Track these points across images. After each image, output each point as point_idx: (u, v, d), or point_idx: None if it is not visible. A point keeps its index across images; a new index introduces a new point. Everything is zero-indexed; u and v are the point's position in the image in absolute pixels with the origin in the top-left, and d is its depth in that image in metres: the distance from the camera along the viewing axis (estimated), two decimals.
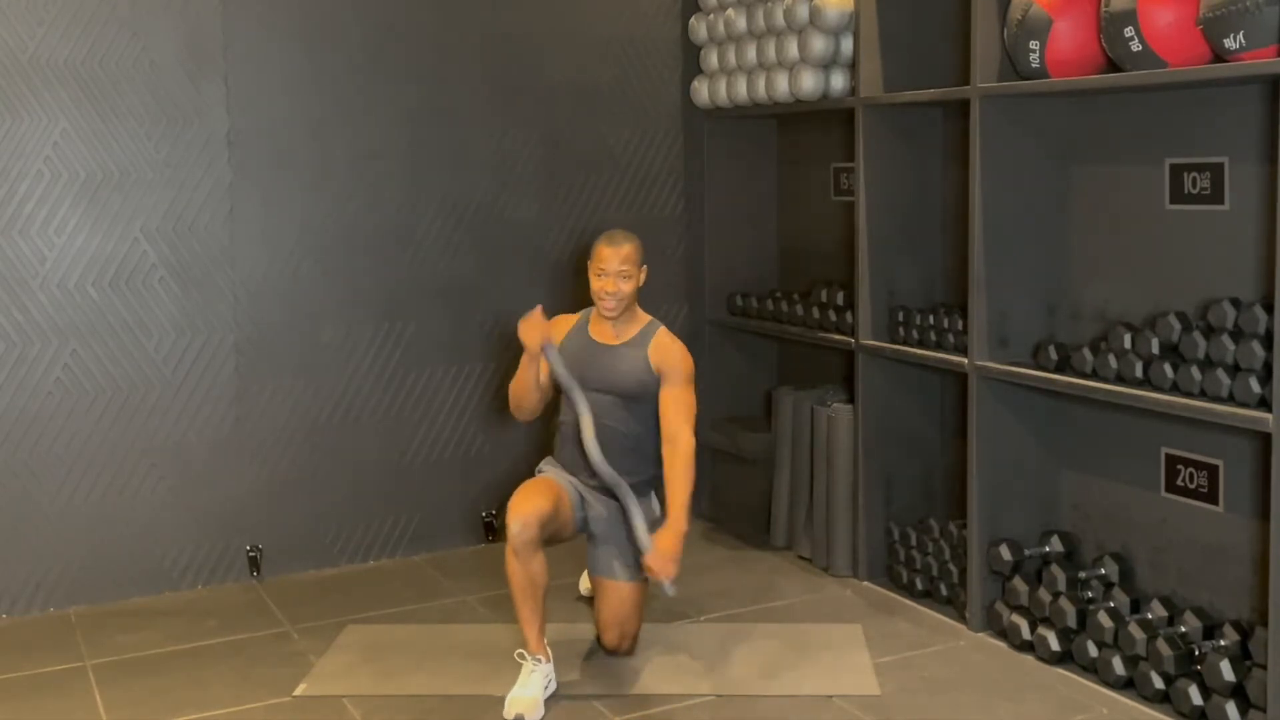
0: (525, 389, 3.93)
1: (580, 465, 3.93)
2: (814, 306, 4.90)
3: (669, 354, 3.94)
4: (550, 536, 3.77)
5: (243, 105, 4.69)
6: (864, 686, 3.75)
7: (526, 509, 3.68)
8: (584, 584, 4.42)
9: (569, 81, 5.24)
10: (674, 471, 3.81)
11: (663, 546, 3.70)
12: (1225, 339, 3.33)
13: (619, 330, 3.97)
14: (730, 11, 5.12)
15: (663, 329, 4.02)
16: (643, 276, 3.96)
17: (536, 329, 3.81)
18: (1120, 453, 3.95)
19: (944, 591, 4.37)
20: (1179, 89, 3.62)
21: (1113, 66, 3.65)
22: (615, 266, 3.87)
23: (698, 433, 5.34)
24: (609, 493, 3.90)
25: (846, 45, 4.66)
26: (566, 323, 4.07)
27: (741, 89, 5.09)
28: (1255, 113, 3.47)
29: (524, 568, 3.66)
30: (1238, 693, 3.34)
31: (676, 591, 3.70)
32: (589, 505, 3.94)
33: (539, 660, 3.66)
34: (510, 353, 5.12)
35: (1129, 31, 3.43)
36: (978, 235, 4.03)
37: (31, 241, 4.44)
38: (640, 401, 3.96)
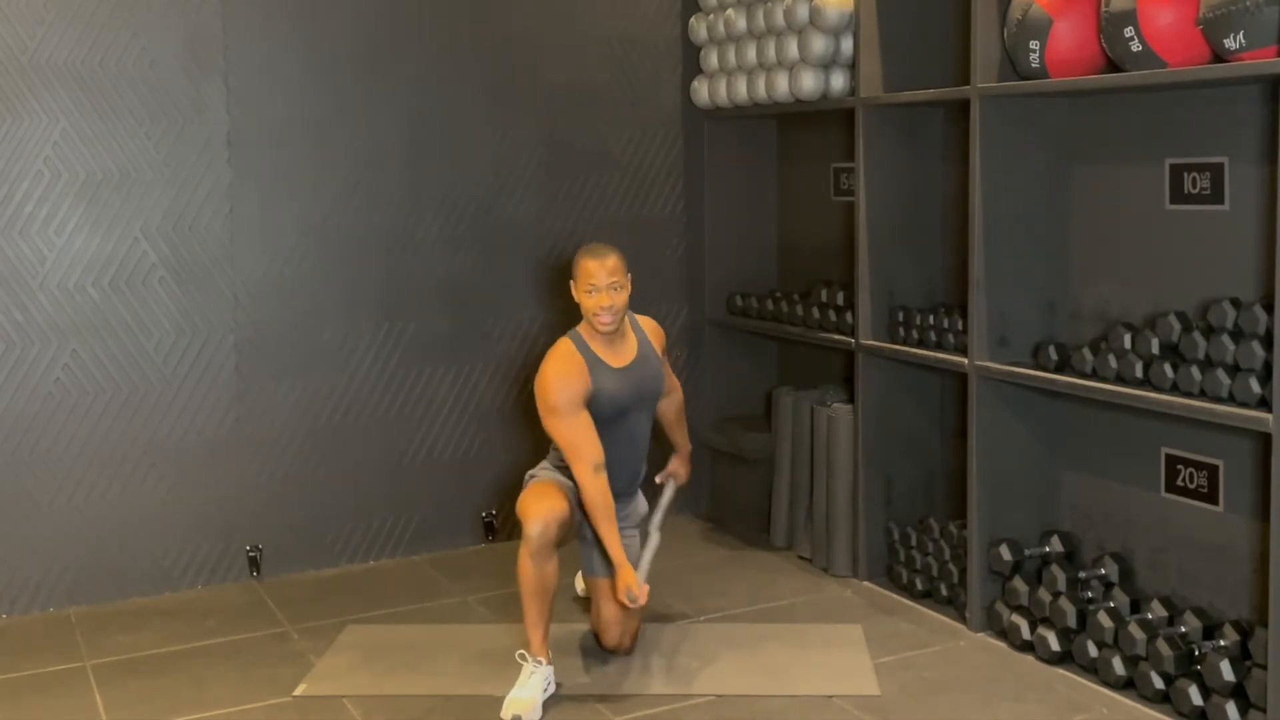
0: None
1: None
2: (814, 306, 4.90)
3: (660, 336, 4.09)
4: (560, 540, 3.76)
5: (243, 105, 4.69)
6: (864, 686, 3.75)
7: (545, 511, 3.66)
8: (579, 585, 4.41)
9: (569, 81, 5.23)
10: (679, 415, 4.32)
11: (685, 475, 4.37)
12: (1225, 339, 3.33)
13: (621, 345, 3.90)
14: (730, 11, 5.12)
15: (638, 317, 4.06)
16: (630, 284, 3.87)
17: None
18: (1120, 453, 3.95)
19: (944, 591, 4.37)
20: (1179, 89, 3.62)
21: (1113, 66, 3.65)
22: (605, 280, 3.76)
23: (697, 433, 5.39)
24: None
25: (846, 45, 4.65)
26: (577, 365, 3.78)
27: (741, 89, 5.08)
28: (1255, 113, 3.47)
29: (538, 570, 3.65)
30: (1238, 693, 3.34)
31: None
32: None
33: (539, 662, 3.66)
34: (510, 353, 5.13)
35: (1129, 31, 3.43)
36: (977, 235, 4.03)
37: (31, 241, 4.44)
38: (659, 395, 4.04)
